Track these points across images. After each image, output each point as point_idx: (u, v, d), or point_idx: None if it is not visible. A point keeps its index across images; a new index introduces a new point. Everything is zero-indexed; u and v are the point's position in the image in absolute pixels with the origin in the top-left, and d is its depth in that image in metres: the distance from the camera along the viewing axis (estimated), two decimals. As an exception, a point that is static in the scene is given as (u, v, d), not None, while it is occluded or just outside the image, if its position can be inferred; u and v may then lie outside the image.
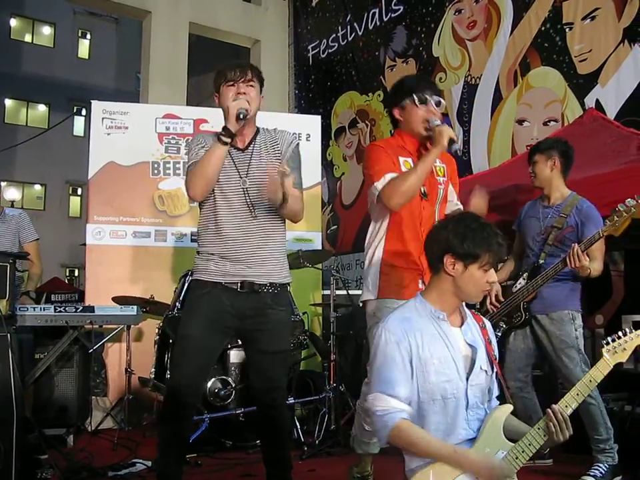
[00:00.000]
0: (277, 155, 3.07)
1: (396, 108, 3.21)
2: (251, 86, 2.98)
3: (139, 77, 18.41)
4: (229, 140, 2.87)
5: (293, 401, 4.66)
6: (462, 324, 2.39)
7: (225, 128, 2.88)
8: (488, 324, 2.50)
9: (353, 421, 3.40)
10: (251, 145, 3.05)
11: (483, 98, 6.98)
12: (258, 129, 3.13)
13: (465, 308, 2.45)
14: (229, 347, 4.54)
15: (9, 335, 3.32)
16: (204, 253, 3.03)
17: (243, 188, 2.97)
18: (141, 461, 4.15)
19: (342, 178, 9.19)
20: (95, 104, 6.25)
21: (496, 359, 2.42)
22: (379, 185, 3.05)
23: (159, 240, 6.03)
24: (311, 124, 6.79)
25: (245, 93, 2.94)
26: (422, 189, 3.10)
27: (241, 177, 2.97)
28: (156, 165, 6.09)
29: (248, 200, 2.97)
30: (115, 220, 5.96)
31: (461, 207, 3.33)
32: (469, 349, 2.35)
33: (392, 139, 3.29)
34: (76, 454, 4.28)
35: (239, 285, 2.96)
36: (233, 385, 4.58)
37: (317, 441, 4.57)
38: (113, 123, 6.10)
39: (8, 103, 21.52)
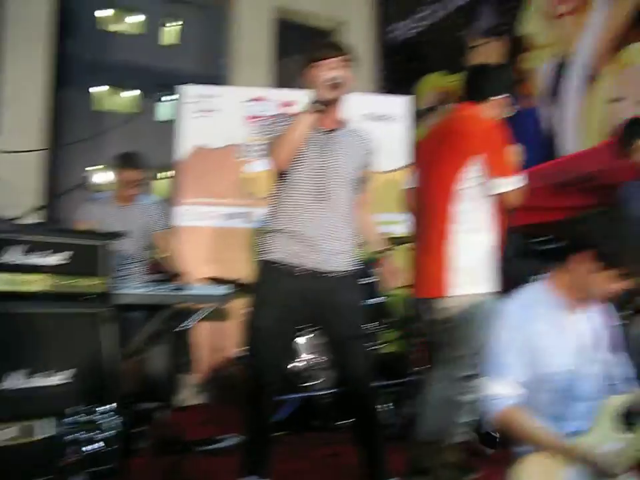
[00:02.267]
0: (364, 151, 3.10)
1: None
2: (343, 65, 2.93)
3: (224, 61, 18.58)
4: (321, 108, 2.82)
5: (377, 384, 4.66)
6: (585, 312, 2.32)
7: (315, 100, 2.85)
8: (612, 308, 2.44)
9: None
10: (338, 130, 3.04)
11: (574, 76, 6.74)
12: (345, 121, 3.10)
13: None
14: (316, 327, 4.57)
15: (102, 312, 3.46)
16: (273, 232, 3.02)
17: (320, 169, 2.94)
18: (229, 436, 4.25)
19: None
20: (184, 88, 6.38)
21: (616, 345, 2.36)
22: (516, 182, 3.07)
23: (245, 222, 6.12)
24: (398, 105, 6.73)
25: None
26: None
27: (320, 158, 2.95)
28: (243, 148, 6.17)
29: (325, 183, 2.95)
30: (203, 202, 6.08)
31: None
32: (588, 338, 2.30)
33: None
34: (168, 428, 4.43)
35: (308, 270, 2.96)
36: (320, 365, 4.61)
37: (397, 426, 4.56)
38: (202, 106, 6.21)
39: (98, 90, 22.20)
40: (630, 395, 2.23)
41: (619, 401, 2.22)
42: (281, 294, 2.97)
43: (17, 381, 3.15)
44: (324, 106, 2.84)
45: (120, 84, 23.37)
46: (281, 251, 2.98)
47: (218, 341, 5.31)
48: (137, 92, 23.35)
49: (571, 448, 2.13)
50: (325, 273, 2.98)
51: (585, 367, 2.28)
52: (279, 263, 2.98)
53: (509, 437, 2.27)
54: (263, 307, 3.02)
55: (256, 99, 6.31)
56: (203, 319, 4.96)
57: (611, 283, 2.17)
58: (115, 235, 3.68)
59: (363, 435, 3.12)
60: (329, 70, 2.88)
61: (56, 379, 3.28)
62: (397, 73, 9.81)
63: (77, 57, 21.18)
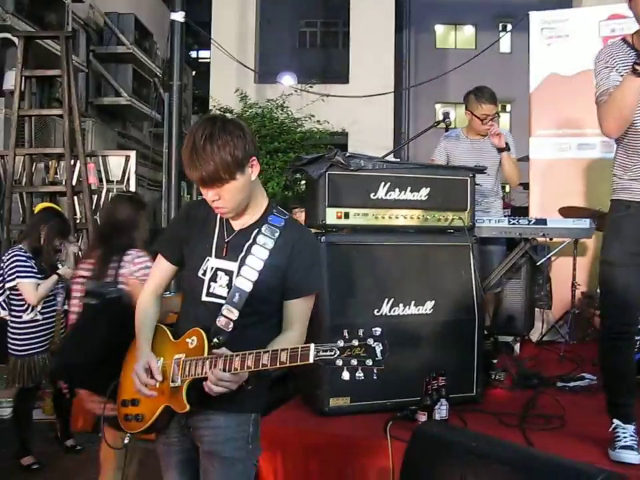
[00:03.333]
0: None
1: None
2: None
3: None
4: None
5: None
6: None
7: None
8: None
9: None
10: None
11: None
12: None
13: None
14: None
15: (470, 244, 3.54)
16: (623, 174, 2.82)
17: None
18: (589, 375, 4.12)
19: None
20: (533, 15, 6.12)
21: None
22: None
23: (605, 152, 5.75)
24: None
25: None
26: None
27: None
28: (602, 72, 5.77)
29: None
30: (559, 133, 5.85)
31: None
32: None
33: None
34: (525, 362, 4.43)
35: None
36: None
37: None
38: (553, 32, 5.93)
39: (438, 28, 22.45)
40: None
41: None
42: (635, 229, 2.77)
43: (393, 308, 3.41)
44: None
45: (458, 20, 23.38)
46: (636, 189, 2.78)
47: (576, 276, 5.12)
48: (477, 26, 23.12)
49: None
50: None
51: None
52: (634, 200, 2.78)
53: None
54: (613, 240, 2.84)
55: (613, 17, 5.81)
56: (559, 254, 4.85)
57: None
58: (477, 170, 3.72)
59: None
60: None
61: (425, 308, 3.48)
62: None
63: (416, -2, 21.42)
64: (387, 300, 3.41)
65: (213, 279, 2.13)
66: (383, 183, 3.44)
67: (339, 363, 1.83)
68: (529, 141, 5.99)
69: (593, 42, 5.76)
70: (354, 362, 1.82)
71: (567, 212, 5.03)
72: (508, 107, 22.29)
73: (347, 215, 3.38)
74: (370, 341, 1.83)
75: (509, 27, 20.93)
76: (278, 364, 1.91)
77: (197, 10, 10.60)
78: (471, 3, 21.14)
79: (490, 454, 2.30)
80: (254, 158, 2.06)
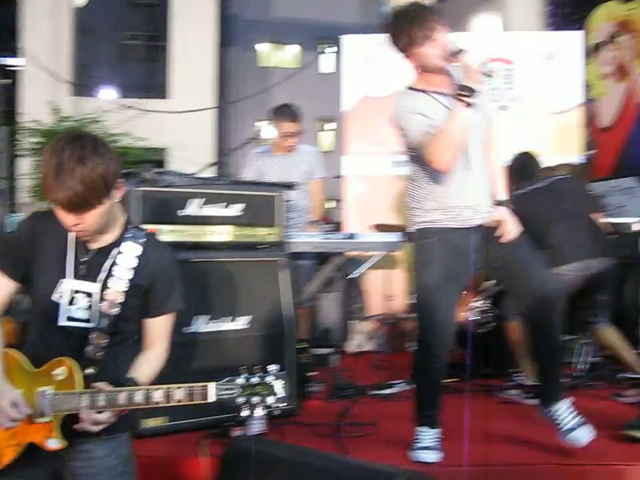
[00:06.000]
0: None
1: None
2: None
3: (382, 10, 18.33)
4: (474, 101, 2.71)
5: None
6: None
7: (465, 87, 2.72)
8: None
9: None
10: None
11: None
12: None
13: None
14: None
15: (279, 259, 3.59)
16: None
17: None
18: (399, 382, 4.29)
19: (599, 98, 8.49)
20: (346, 38, 6.36)
21: None
22: None
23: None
24: (568, 41, 6.36)
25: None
26: None
27: None
28: (411, 94, 6.09)
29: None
30: (371, 151, 6.09)
31: None
32: None
33: None
34: (341, 373, 4.55)
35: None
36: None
37: (576, 373, 4.39)
38: (365, 55, 6.19)
39: (261, 47, 22.69)
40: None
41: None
42: (450, 256, 2.93)
43: (203, 324, 3.38)
44: (474, 92, 2.71)
45: (282, 39, 23.73)
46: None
47: (388, 288, 5.35)
48: (299, 46, 23.62)
49: None
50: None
51: None
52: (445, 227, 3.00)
53: None
54: (432, 269, 2.96)
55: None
56: (373, 267, 5.03)
57: None
58: (286, 186, 3.78)
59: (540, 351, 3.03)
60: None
61: (237, 324, 3.48)
62: (566, 7, 9.18)
63: (239, 15, 21.68)
64: (198, 316, 3.38)
65: (71, 302, 2.01)
66: (192, 199, 3.40)
67: (241, 400, 1.83)
68: (341, 159, 6.21)
69: (403, 66, 6.08)
70: (255, 399, 1.83)
71: (381, 229, 5.23)
72: (331, 125, 22.96)
73: (155, 232, 3.31)
74: (270, 379, 1.85)
75: (332, 48, 21.63)
76: (173, 402, 1.88)
77: (6, 13, 9.99)
78: (295, 24, 21.59)
79: (302, 464, 2.34)
80: (121, 180, 1.99)
